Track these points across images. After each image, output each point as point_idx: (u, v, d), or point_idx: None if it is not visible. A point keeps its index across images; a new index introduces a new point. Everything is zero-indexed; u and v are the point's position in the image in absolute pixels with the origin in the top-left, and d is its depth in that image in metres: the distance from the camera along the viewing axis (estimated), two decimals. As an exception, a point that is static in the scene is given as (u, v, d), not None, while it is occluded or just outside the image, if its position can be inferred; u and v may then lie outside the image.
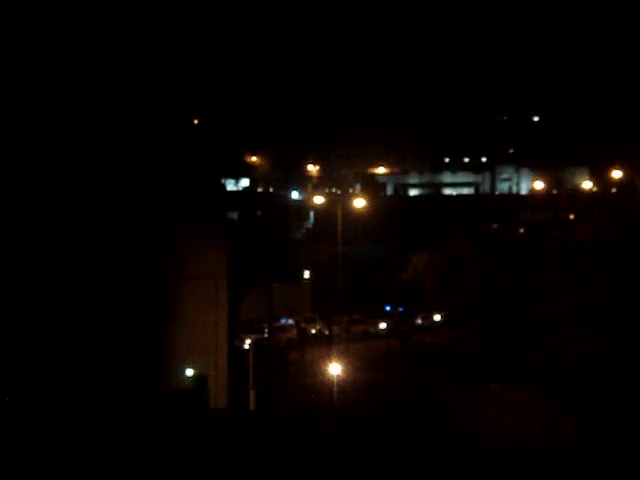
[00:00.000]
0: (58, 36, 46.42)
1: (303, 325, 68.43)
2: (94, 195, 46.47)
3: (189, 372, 47.02)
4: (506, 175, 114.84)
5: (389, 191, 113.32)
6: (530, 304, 75.10)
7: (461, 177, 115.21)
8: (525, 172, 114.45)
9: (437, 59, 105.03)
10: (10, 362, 42.78)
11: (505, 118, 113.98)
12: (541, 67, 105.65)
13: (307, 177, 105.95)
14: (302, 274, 77.24)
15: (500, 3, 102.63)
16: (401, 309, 73.22)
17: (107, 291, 45.95)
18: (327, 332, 65.86)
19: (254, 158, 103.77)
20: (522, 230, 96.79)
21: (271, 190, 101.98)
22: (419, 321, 72.13)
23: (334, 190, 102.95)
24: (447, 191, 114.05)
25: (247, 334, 59.15)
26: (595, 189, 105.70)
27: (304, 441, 42.25)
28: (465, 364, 57.21)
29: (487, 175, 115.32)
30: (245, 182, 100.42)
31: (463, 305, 74.49)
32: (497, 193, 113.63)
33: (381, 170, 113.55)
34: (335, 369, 47.63)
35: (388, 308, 73.04)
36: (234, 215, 78.51)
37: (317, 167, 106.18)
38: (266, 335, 59.15)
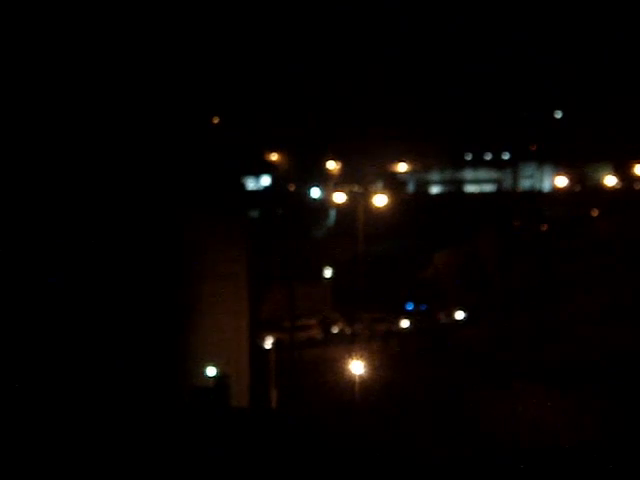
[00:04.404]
0: (77, 32, 46.41)
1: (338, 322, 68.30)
2: (115, 194, 46.41)
3: (210, 371, 46.93)
4: (529, 172, 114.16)
5: (410, 188, 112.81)
6: (553, 302, 74.61)
7: (483, 174, 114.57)
8: (548, 169, 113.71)
9: (458, 56, 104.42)
10: (29, 362, 42.78)
11: (527, 115, 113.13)
12: (563, 63, 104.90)
13: (328, 175, 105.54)
14: (323, 273, 76.98)
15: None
16: (423, 307, 72.98)
17: (128, 290, 45.89)
18: (349, 331, 65.76)
19: (275, 156, 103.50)
20: (545, 227, 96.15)
21: (292, 188, 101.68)
22: (441, 319, 71.89)
23: (355, 188, 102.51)
24: (469, 188, 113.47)
25: (268, 333, 59.05)
26: (619, 185, 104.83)
27: (327, 441, 42.03)
28: (487, 362, 56.94)
29: (509, 172, 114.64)
30: (266, 180, 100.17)
31: (485, 303, 74.13)
32: (520, 190, 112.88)
33: (402, 167, 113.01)
34: (359, 368, 47.33)
35: (410, 306, 72.81)
36: (255, 214, 78.39)
37: (338, 165, 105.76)
38: (288, 334, 59.06)
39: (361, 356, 49.77)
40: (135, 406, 42.83)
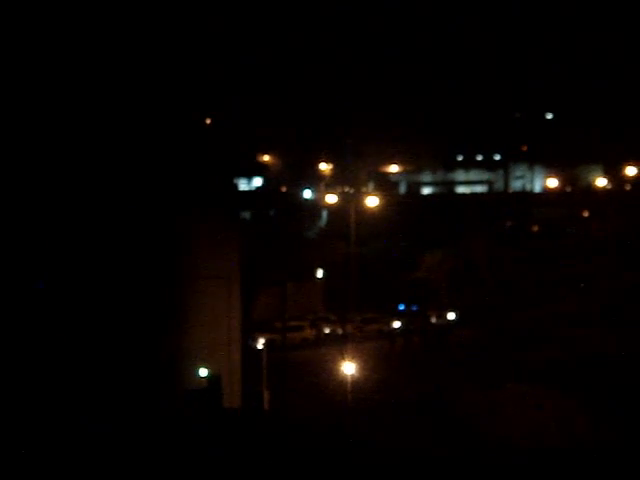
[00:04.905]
0: (74, 32, 46.49)
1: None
2: (108, 195, 46.44)
3: (203, 372, 46.97)
4: (520, 173, 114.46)
5: (402, 189, 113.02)
6: (545, 302, 74.80)
7: (474, 175, 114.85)
8: (539, 170, 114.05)
9: (450, 56, 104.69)
10: (23, 363, 42.80)
11: (518, 116, 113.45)
12: (555, 65, 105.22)
13: (320, 176, 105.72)
14: (315, 273, 77.09)
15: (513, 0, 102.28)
16: (415, 308, 73.08)
17: (120, 291, 45.93)
18: (341, 331, 65.79)
19: (267, 157, 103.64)
20: (536, 228, 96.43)
21: (284, 189, 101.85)
22: (433, 320, 71.97)
23: (347, 189, 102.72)
24: (460, 189, 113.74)
25: (260, 333, 59.13)
26: (609, 186, 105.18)
27: (318, 441, 42.14)
28: (480, 363, 57.04)
29: (501, 173, 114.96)
30: (258, 181, 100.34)
31: (477, 303, 74.25)
32: (511, 191, 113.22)
33: (394, 168, 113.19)
34: (350, 368, 47.44)
35: (402, 307, 72.92)
36: (247, 215, 78.54)
37: (330, 166, 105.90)
38: (280, 334, 59.15)
39: (353, 357, 49.90)
40: (128, 406, 42.89)
